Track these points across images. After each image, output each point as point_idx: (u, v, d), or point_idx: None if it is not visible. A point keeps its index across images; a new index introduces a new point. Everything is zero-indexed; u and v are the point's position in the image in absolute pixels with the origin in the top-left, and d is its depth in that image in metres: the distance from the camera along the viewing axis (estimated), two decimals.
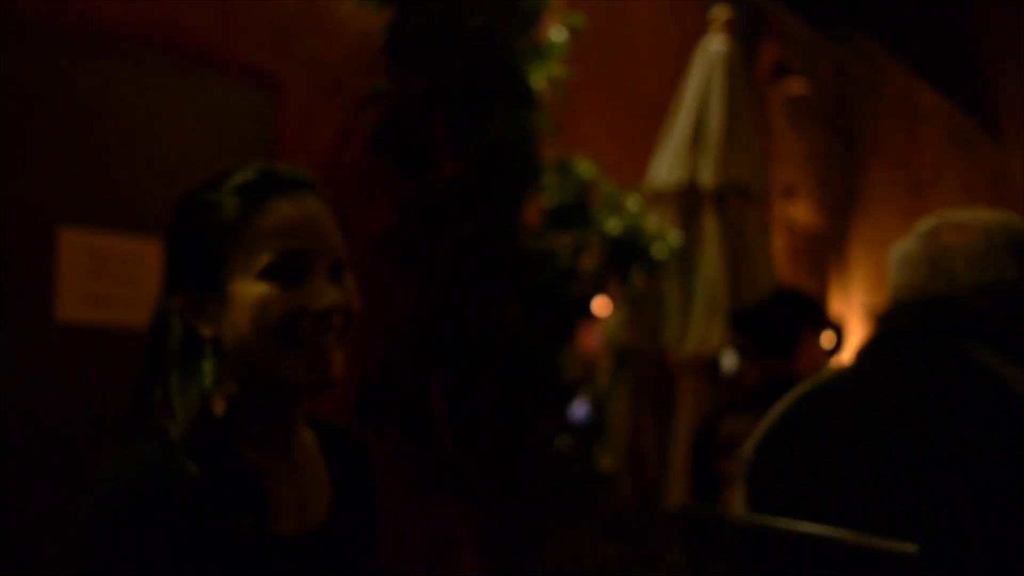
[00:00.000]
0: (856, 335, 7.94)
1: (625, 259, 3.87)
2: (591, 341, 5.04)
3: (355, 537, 1.27)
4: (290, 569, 1.13)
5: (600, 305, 4.24)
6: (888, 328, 1.54)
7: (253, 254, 1.12)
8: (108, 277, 3.07)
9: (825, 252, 8.22)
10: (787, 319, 2.94)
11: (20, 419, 2.86)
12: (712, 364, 4.12)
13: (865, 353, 1.57)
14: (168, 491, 1.04)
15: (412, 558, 3.71)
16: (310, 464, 1.24)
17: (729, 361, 4.19)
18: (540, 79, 3.69)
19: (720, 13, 4.37)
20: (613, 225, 3.82)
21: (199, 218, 1.20)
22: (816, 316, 2.99)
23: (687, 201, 4.22)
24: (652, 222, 4.07)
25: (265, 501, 1.12)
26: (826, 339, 3.03)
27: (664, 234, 3.98)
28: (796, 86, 7.51)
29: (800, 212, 7.78)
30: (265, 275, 1.11)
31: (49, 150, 2.98)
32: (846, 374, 1.58)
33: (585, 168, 3.82)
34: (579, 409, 4.28)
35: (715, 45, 4.31)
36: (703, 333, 4.02)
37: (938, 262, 1.50)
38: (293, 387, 1.15)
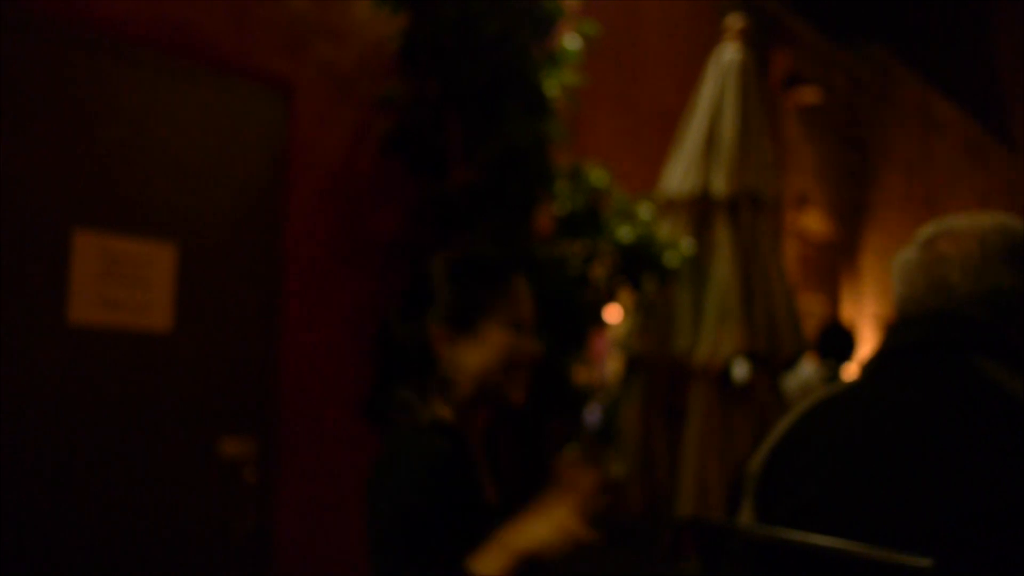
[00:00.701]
0: (868, 345, 7.92)
1: (637, 267, 3.86)
2: (603, 348, 5.04)
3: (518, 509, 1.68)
4: (495, 526, 1.51)
5: (612, 313, 4.24)
6: (893, 342, 1.54)
7: (507, 313, 1.64)
8: (121, 280, 3.08)
9: (837, 261, 8.20)
10: None
11: (32, 419, 2.87)
12: (723, 372, 4.11)
13: (871, 367, 1.56)
14: (443, 464, 1.52)
15: None
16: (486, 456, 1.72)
17: (740, 369, 4.19)
18: (553, 86, 3.69)
19: (734, 22, 4.37)
20: (625, 233, 3.81)
21: (474, 278, 1.68)
22: None
23: (700, 209, 4.21)
24: (664, 230, 4.06)
25: (478, 476, 1.63)
26: None
27: (676, 242, 3.98)
28: (809, 95, 7.51)
29: (812, 221, 7.77)
30: (512, 328, 1.63)
31: (64, 153, 2.99)
32: (853, 387, 1.57)
33: (597, 176, 3.82)
34: (590, 416, 4.28)
35: (729, 54, 4.31)
36: (715, 341, 4.01)
37: (935, 273, 1.50)
38: (508, 402, 1.65)
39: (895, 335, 1.53)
